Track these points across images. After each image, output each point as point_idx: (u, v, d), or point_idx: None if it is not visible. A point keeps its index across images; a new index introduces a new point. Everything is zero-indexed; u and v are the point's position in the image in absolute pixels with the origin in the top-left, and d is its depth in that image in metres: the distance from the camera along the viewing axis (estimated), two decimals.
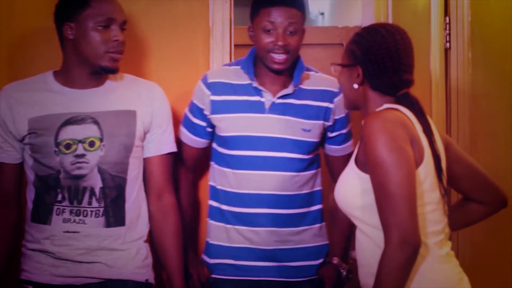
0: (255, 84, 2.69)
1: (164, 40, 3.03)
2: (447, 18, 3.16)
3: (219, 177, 2.75)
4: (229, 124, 2.69)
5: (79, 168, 2.43)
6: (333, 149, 2.84)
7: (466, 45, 3.16)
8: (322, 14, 6.45)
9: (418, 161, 2.09)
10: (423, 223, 2.08)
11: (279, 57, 2.61)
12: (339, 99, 2.73)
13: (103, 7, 2.44)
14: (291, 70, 2.71)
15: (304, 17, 2.68)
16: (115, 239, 2.48)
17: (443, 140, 2.29)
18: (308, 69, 2.78)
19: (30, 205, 2.51)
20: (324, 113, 2.74)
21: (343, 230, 2.82)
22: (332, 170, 2.87)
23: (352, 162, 2.21)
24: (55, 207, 2.45)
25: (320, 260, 2.78)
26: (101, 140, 2.45)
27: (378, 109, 2.18)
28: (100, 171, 2.45)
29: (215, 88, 2.71)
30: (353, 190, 2.17)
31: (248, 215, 2.68)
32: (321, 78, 2.80)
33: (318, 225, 2.80)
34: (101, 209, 2.46)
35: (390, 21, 3.06)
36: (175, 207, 2.64)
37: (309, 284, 2.76)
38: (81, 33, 2.43)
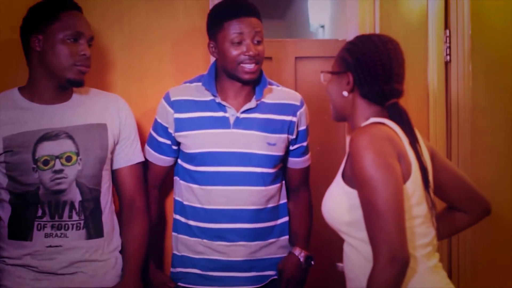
0: (218, 100, 2.70)
1: (164, 54, 3.04)
2: (447, 31, 3.16)
3: (186, 193, 2.76)
4: (195, 141, 2.69)
5: (59, 183, 2.46)
6: (293, 162, 2.86)
7: (467, 58, 3.15)
8: (322, 27, 6.46)
9: (406, 176, 2.09)
10: (411, 236, 2.09)
11: (250, 66, 2.63)
12: (301, 112, 2.79)
13: (72, 21, 2.48)
14: (253, 84, 2.73)
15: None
16: (95, 250, 2.52)
17: (428, 150, 2.29)
18: (270, 83, 2.80)
19: (5, 222, 2.49)
20: (288, 127, 2.77)
21: (304, 227, 2.88)
22: (290, 182, 2.91)
23: (338, 177, 2.20)
24: (36, 223, 2.46)
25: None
26: (77, 154, 2.48)
27: (364, 124, 2.17)
28: (78, 185, 2.49)
29: (178, 106, 2.72)
30: (339, 206, 2.16)
31: (216, 231, 2.70)
32: (283, 92, 2.83)
33: (284, 237, 2.84)
34: (82, 222, 2.50)
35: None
36: (144, 211, 2.68)
37: (271, 284, 2.81)
38: (49, 45, 2.45)
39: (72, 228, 2.48)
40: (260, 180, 2.72)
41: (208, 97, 2.72)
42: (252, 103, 2.71)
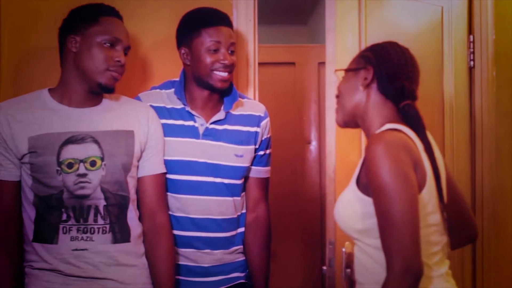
0: (188, 109, 2.71)
1: None
2: (471, 37, 3.16)
3: None
4: (166, 148, 2.69)
5: (82, 188, 2.43)
6: (256, 171, 2.84)
7: (491, 63, 3.16)
8: None
9: (421, 185, 2.06)
10: (426, 245, 2.06)
11: (224, 74, 2.65)
12: (264, 123, 2.81)
13: (111, 26, 2.47)
14: (220, 94, 2.74)
15: None
16: (123, 254, 2.48)
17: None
18: (241, 96, 2.82)
19: (30, 224, 2.47)
20: (254, 138, 2.78)
21: (262, 272, 2.85)
22: (250, 195, 2.86)
23: (353, 183, 2.17)
24: (61, 226, 2.43)
25: (247, 272, 2.84)
26: (102, 159, 2.46)
27: (379, 130, 2.14)
28: (103, 190, 2.45)
29: None
30: (353, 212, 2.14)
31: (185, 238, 2.70)
32: (249, 103, 2.84)
33: (242, 245, 2.84)
34: (108, 226, 2.46)
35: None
36: (168, 226, 2.63)
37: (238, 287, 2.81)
38: (85, 47, 2.44)
39: (98, 232, 2.45)
40: (228, 191, 2.73)
41: (178, 105, 2.73)
42: (221, 115, 2.73)
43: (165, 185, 2.67)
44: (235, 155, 2.73)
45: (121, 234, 2.48)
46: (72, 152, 2.42)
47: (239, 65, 3.03)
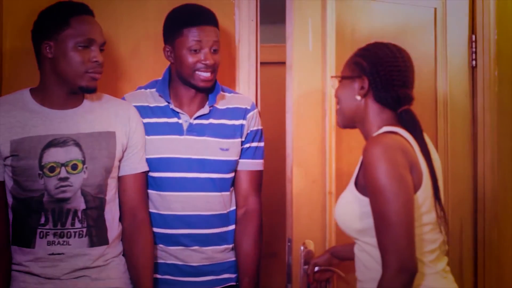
0: (171, 106, 2.70)
1: None
2: (473, 36, 3.16)
3: None
4: (149, 146, 2.69)
5: (63, 191, 2.42)
6: (242, 163, 2.80)
7: (493, 63, 3.15)
8: None
9: (417, 186, 2.11)
10: (420, 243, 2.12)
11: (206, 75, 2.64)
12: (251, 115, 2.79)
13: (83, 27, 2.44)
14: (206, 91, 2.73)
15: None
16: (99, 257, 2.49)
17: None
18: (223, 90, 2.81)
19: (9, 227, 2.47)
20: (240, 130, 2.77)
21: (250, 268, 2.78)
22: (239, 188, 2.83)
23: (351, 184, 2.23)
24: (39, 230, 2.43)
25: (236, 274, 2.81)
26: (83, 162, 2.45)
27: (377, 133, 2.19)
28: (83, 193, 2.45)
29: None
30: (352, 212, 2.19)
31: (172, 236, 2.70)
32: (235, 97, 2.83)
33: (233, 244, 2.81)
34: (84, 230, 2.46)
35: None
36: (147, 223, 2.63)
37: None
38: (60, 53, 2.42)
39: (75, 236, 2.45)
40: (215, 186, 2.72)
41: (162, 103, 2.72)
42: (205, 109, 2.72)
43: (145, 183, 2.67)
44: (220, 149, 2.72)
45: (98, 238, 2.49)
46: (54, 155, 2.42)
47: (240, 65, 3.04)
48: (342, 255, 2.67)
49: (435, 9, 3.11)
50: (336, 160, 2.91)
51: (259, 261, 2.85)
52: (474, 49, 3.17)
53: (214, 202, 2.72)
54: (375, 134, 2.20)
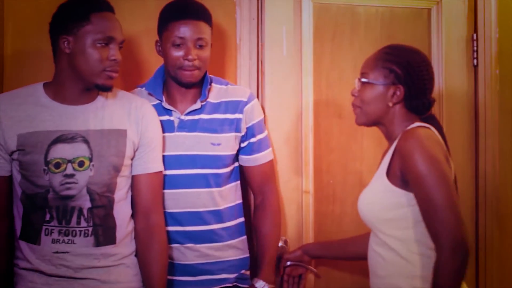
0: (163, 104, 2.69)
1: None
2: (475, 35, 3.16)
3: None
4: None
5: (68, 188, 2.38)
6: (244, 159, 2.81)
7: (494, 61, 3.16)
8: None
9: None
10: None
11: (188, 71, 2.61)
12: (248, 107, 2.76)
13: (103, 24, 2.39)
14: (200, 86, 2.72)
15: (211, 30, 2.70)
16: (106, 257, 2.44)
17: None
18: (219, 82, 2.79)
19: (18, 221, 2.45)
20: (235, 124, 2.74)
21: (269, 250, 2.79)
22: (250, 182, 2.85)
23: (382, 175, 2.26)
24: (44, 227, 2.39)
25: (239, 273, 2.78)
26: (90, 160, 2.40)
27: (410, 127, 2.25)
28: (89, 191, 2.41)
29: None
30: (382, 203, 2.24)
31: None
32: (230, 89, 2.80)
33: (238, 239, 2.79)
34: (90, 229, 2.41)
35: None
36: (162, 227, 2.57)
37: None
38: (78, 48, 2.37)
39: (80, 235, 2.40)
40: (207, 182, 2.69)
41: (154, 101, 2.70)
42: (197, 105, 2.70)
43: (161, 184, 2.62)
44: (211, 144, 2.69)
45: (104, 237, 2.43)
46: (60, 151, 2.38)
47: (242, 64, 3.04)
48: (313, 253, 2.83)
49: (430, 9, 3.15)
50: (314, 160, 2.96)
51: (278, 244, 2.86)
52: (475, 48, 3.17)
53: (206, 198, 2.69)
54: (408, 128, 2.26)
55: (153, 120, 2.59)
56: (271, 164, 2.87)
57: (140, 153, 2.53)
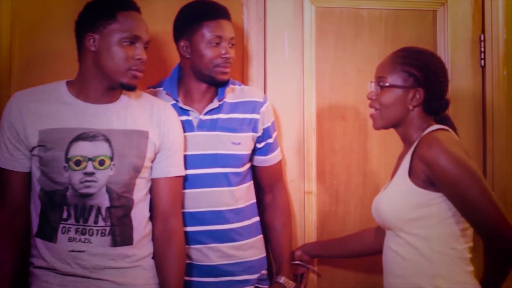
0: (180, 104, 2.70)
1: None
2: (482, 36, 3.16)
3: None
4: None
5: (88, 186, 2.37)
6: (261, 160, 2.84)
7: (501, 62, 3.15)
8: None
9: None
10: (469, 239, 2.28)
11: (226, 69, 2.65)
12: (264, 108, 2.79)
13: (130, 23, 2.39)
14: (223, 85, 2.74)
15: None
16: (122, 258, 2.42)
17: None
18: (232, 83, 2.80)
19: (35, 218, 2.44)
20: (253, 125, 2.76)
21: (285, 247, 2.84)
22: (263, 181, 2.89)
23: (404, 176, 2.29)
24: (61, 225, 2.38)
25: (260, 273, 2.80)
26: (111, 159, 2.39)
27: (429, 130, 2.29)
28: (108, 190, 2.39)
29: None
30: (405, 203, 2.27)
31: (187, 234, 2.66)
32: (245, 90, 2.83)
33: (256, 238, 2.81)
34: (108, 228, 2.40)
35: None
36: (180, 231, 2.55)
37: None
38: (104, 46, 2.37)
39: (97, 234, 2.39)
40: (227, 181, 2.71)
41: (170, 101, 2.71)
42: (214, 104, 2.72)
43: (181, 188, 2.62)
44: (232, 143, 2.71)
45: (121, 237, 2.42)
46: (81, 149, 2.37)
47: (248, 65, 3.06)
48: (313, 252, 2.86)
49: (435, 11, 3.15)
50: (317, 161, 2.98)
51: (291, 239, 2.90)
52: (482, 49, 3.16)
53: (227, 197, 2.72)
54: (427, 131, 2.29)
55: (175, 123, 2.59)
56: (279, 165, 2.92)
57: (161, 156, 2.52)
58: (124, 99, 2.50)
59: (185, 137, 2.66)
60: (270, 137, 2.82)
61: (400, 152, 2.47)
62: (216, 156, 2.70)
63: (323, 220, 3.07)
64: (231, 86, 2.79)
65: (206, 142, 2.70)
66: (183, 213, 2.64)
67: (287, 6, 3.05)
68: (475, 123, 3.17)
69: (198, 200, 2.69)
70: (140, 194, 2.48)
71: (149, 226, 2.53)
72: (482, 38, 3.17)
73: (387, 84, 2.34)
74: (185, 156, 2.65)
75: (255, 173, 2.88)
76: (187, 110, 2.71)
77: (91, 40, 2.39)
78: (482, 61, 3.17)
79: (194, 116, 2.71)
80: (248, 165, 2.81)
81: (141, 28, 2.42)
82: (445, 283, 2.21)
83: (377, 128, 2.42)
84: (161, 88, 2.76)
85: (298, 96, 3.05)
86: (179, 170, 2.58)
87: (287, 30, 3.05)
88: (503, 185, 3.16)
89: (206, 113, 2.72)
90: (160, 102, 2.60)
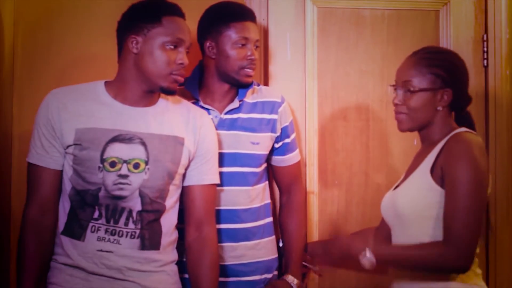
0: (200, 103, 2.71)
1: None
2: (485, 36, 3.16)
3: None
4: None
5: (121, 189, 2.36)
6: (279, 160, 2.85)
7: (504, 62, 3.15)
8: None
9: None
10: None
11: (251, 70, 2.67)
12: (282, 108, 2.80)
13: (174, 26, 2.39)
14: (247, 86, 2.76)
15: None
16: (149, 262, 2.41)
17: None
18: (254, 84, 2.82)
19: (63, 216, 2.42)
20: (271, 125, 2.78)
21: (296, 248, 2.83)
22: (279, 181, 2.90)
23: (426, 173, 2.29)
24: (91, 224, 2.37)
25: (272, 274, 2.81)
26: (146, 163, 2.38)
27: (458, 131, 2.31)
28: (141, 194, 2.38)
29: None
30: (425, 201, 2.27)
31: None
32: (263, 90, 2.84)
33: (268, 238, 2.82)
34: (137, 231, 2.39)
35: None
36: (214, 239, 2.53)
37: None
38: (147, 49, 2.37)
39: (126, 236, 2.38)
40: (245, 180, 2.73)
41: (190, 100, 2.72)
42: (235, 103, 2.73)
43: (215, 197, 2.61)
44: (251, 143, 2.73)
45: (150, 241, 2.41)
46: (117, 150, 2.36)
47: None
48: (314, 252, 2.85)
49: (438, 11, 3.15)
50: (319, 161, 2.99)
51: (305, 240, 2.90)
52: (485, 49, 3.16)
53: (244, 196, 2.73)
54: (454, 132, 2.30)
55: (211, 131, 2.58)
56: (299, 164, 2.93)
57: (195, 164, 2.51)
58: (162, 103, 2.50)
59: None
60: (287, 137, 2.84)
61: (418, 151, 2.49)
62: (235, 155, 2.72)
63: (325, 220, 3.08)
64: (255, 87, 2.82)
65: (225, 141, 2.71)
66: None
67: (289, 7, 3.06)
68: (478, 122, 3.10)
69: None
70: (171, 201, 2.47)
71: (175, 234, 2.52)
72: (485, 38, 3.17)
73: (416, 89, 2.34)
74: None
75: (273, 173, 2.91)
76: (208, 109, 2.72)
77: (134, 42, 2.38)
78: (485, 61, 3.17)
79: (214, 115, 2.73)
80: (265, 165, 2.83)
81: (184, 32, 2.42)
82: (458, 285, 2.23)
83: (403, 130, 2.42)
84: (183, 87, 2.75)
85: (300, 96, 3.06)
86: (214, 178, 2.56)
87: (289, 31, 3.06)
88: (506, 184, 3.16)
89: (226, 113, 2.74)
90: (197, 110, 2.59)
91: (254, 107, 2.78)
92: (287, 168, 2.87)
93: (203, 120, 2.55)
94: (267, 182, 2.86)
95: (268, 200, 2.86)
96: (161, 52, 2.36)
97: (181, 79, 2.41)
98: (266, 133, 2.77)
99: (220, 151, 2.67)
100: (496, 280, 3.16)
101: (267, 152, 2.80)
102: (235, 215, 2.73)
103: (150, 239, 2.41)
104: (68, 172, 2.39)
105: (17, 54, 2.89)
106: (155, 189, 2.40)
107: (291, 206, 2.87)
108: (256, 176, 2.77)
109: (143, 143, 2.39)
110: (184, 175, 2.51)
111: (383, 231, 2.52)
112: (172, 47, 2.37)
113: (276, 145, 2.83)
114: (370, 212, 2.65)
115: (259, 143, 2.75)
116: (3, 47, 2.84)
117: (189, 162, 2.49)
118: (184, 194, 2.52)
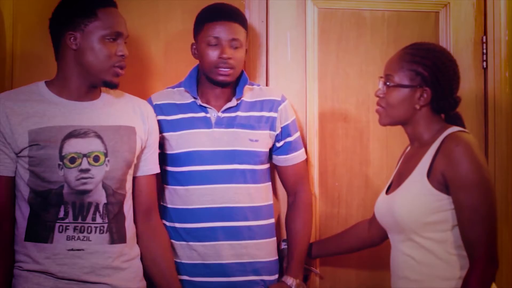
0: (199, 102, 2.74)
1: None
2: (484, 37, 3.16)
3: (170, 195, 2.77)
4: (177, 141, 2.72)
5: (84, 183, 2.36)
6: (282, 160, 2.85)
7: (504, 64, 3.15)
8: None
9: None
10: None
11: (225, 70, 2.66)
12: (282, 107, 2.81)
13: (111, 19, 2.40)
14: (234, 86, 2.77)
15: (246, 33, 2.76)
16: (118, 256, 2.42)
17: None
18: (251, 84, 2.84)
19: (23, 222, 2.38)
20: (270, 123, 2.79)
21: (299, 249, 2.82)
22: (285, 182, 2.90)
23: (423, 178, 2.24)
24: (57, 225, 2.35)
25: (274, 277, 2.81)
26: (105, 155, 2.40)
27: (451, 131, 2.24)
28: (105, 187, 2.40)
29: (160, 109, 2.76)
30: (422, 205, 2.23)
31: (201, 230, 2.70)
32: (264, 90, 2.87)
33: (269, 239, 2.82)
34: (105, 225, 2.39)
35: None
36: (163, 226, 2.65)
37: None
38: (87, 45, 2.37)
39: (95, 231, 2.38)
40: (244, 177, 2.74)
41: (188, 99, 2.76)
42: (233, 102, 2.75)
43: (157, 186, 2.67)
44: (249, 140, 2.74)
45: (118, 234, 2.43)
46: (74, 146, 2.36)
47: (251, 66, 3.07)
48: (312, 253, 2.85)
49: (438, 12, 3.16)
50: (320, 162, 2.99)
51: (309, 242, 2.88)
52: (484, 51, 3.16)
53: (244, 194, 2.74)
54: (447, 133, 2.24)
55: (155, 121, 2.63)
56: (304, 164, 2.92)
57: (145, 154, 2.56)
58: (105, 96, 2.51)
59: (202, 133, 2.72)
60: (289, 135, 2.84)
61: (406, 152, 2.47)
62: (234, 152, 2.73)
63: (325, 222, 3.07)
64: (249, 86, 2.82)
65: (223, 139, 2.73)
66: (200, 209, 2.70)
67: (290, 8, 3.07)
68: (477, 124, 3.16)
69: (214, 196, 2.71)
70: (130, 191, 2.51)
71: (134, 227, 2.54)
72: (484, 40, 3.17)
73: (393, 84, 2.31)
74: (202, 152, 2.71)
75: (278, 174, 2.91)
76: (205, 108, 2.75)
77: (72, 38, 2.38)
78: (484, 63, 3.17)
79: (212, 114, 2.74)
80: (266, 165, 2.84)
81: (121, 24, 2.43)
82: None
83: (383, 124, 2.40)
84: (181, 88, 2.81)
85: (301, 97, 3.06)
86: (157, 167, 2.63)
87: (289, 31, 3.06)
88: (505, 185, 3.16)
89: (224, 111, 2.75)
90: (141, 100, 2.62)
91: (253, 106, 2.79)
92: (292, 167, 2.87)
93: (148, 109, 2.60)
94: (270, 183, 2.86)
95: (271, 201, 2.86)
96: (102, 46, 2.37)
97: (122, 72, 2.43)
98: (265, 130, 2.78)
99: (218, 148, 2.71)
100: (496, 280, 3.15)
101: (266, 150, 2.80)
102: (235, 213, 2.73)
103: (117, 232, 2.43)
104: (24, 177, 2.37)
105: (16, 55, 2.89)
106: (116, 180, 2.42)
107: (297, 207, 2.87)
108: (255, 174, 2.77)
109: (99, 136, 2.40)
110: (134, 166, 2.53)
111: (377, 224, 2.53)
112: (111, 40, 2.38)
113: (278, 144, 2.83)
114: (370, 214, 2.63)
115: (258, 140, 2.76)
116: (2, 47, 2.84)
117: (141, 151, 2.53)
118: (134, 184, 2.56)
